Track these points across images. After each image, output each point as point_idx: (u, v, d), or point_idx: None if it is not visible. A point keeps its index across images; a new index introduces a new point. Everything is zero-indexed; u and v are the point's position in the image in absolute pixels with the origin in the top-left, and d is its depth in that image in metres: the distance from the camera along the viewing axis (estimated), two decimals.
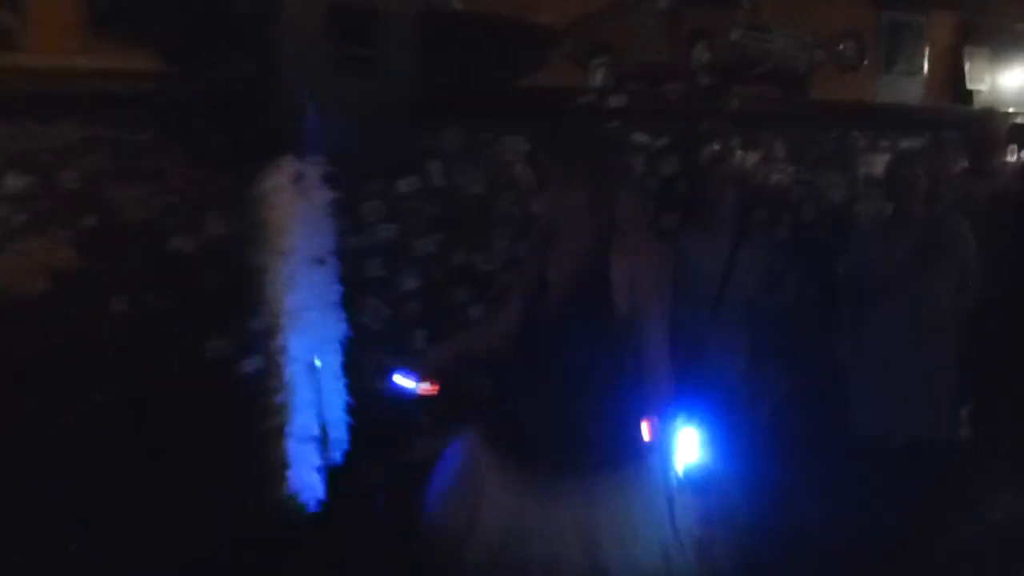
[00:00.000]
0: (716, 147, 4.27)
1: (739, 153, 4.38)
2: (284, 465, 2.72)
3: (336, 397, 2.84)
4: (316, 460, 2.75)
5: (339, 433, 2.85)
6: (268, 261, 2.75)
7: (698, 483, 2.18)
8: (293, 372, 2.73)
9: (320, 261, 2.77)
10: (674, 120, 4.10)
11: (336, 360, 2.83)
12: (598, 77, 3.93)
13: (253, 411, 2.72)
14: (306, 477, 2.73)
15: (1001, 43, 5.21)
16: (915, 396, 3.43)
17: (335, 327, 2.84)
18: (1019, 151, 4.83)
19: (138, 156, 3.05)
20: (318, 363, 2.76)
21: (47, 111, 2.92)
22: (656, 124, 4.04)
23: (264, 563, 2.83)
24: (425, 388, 2.32)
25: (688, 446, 2.15)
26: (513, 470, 2.20)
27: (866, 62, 4.74)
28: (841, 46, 4.54)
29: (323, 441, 2.78)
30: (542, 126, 3.62)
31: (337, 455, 2.84)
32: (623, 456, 2.18)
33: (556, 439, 2.18)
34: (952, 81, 5.06)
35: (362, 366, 2.92)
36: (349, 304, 2.93)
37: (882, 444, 3.46)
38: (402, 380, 2.31)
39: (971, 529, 3.30)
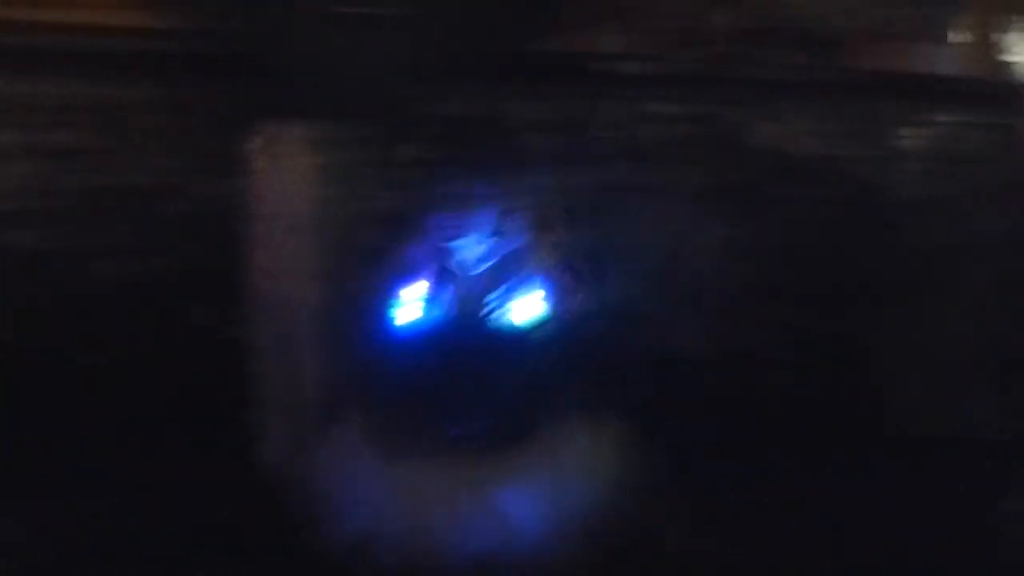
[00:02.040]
0: (738, 118, 4.12)
1: (763, 125, 4.23)
2: (264, 434, 2.70)
3: (321, 364, 2.82)
4: (298, 428, 2.73)
5: (324, 400, 2.83)
6: (258, 226, 2.72)
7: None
8: (277, 339, 2.71)
9: (310, 228, 2.73)
10: (693, 89, 3.95)
11: (320, 328, 2.80)
12: (611, 43, 3.79)
13: (234, 378, 2.71)
14: (287, 445, 2.71)
15: None
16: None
17: (323, 295, 2.81)
18: None
19: (139, 115, 3.04)
20: None
21: (51, 67, 2.92)
22: (673, 93, 3.90)
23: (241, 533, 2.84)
24: None
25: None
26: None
27: (902, 29, 4.51)
28: (874, 11, 4.32)
29: (306, 409, 2.76)
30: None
31: (321, 423, 2.83)
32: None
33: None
34: (990, 52, 4.80)
35: None
36: (339, 273, 2.90)
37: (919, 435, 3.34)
38: None
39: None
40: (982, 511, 3.02)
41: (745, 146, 4.15)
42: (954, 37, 4.59)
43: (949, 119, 4.72)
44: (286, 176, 2.67)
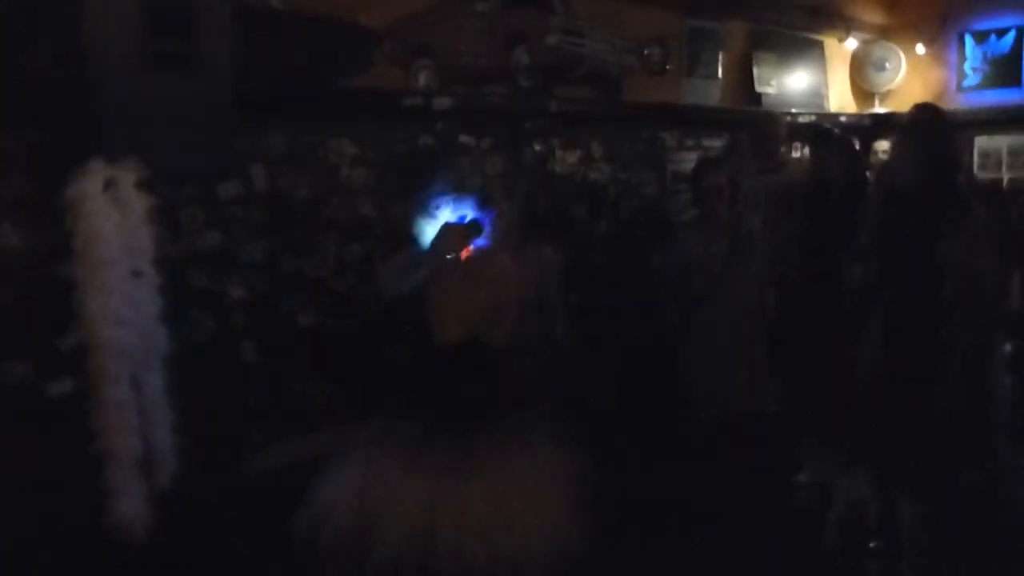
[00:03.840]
0: (538, 148, 4.40)
1: (559, 153, 4.54)
2: (106, 494, 2.50)
3: (162, 417, 2.66)
4: (143, 486, 2.55)
5: (167, 456, 2.67)
6: (79, 275, 2.52)
7: None
8: (112, 393, 2.52)
9: (137, 273, 2.57)
10: (498, 122, 4.17)
11: (159, 378, 2.65)
12: (421, 79, 3.92)
13: (69, 438, 2.49)
14: (132, 505, 2.52)
15: (786, 50, 5.75)
16: (740, 374, 3.84)
17: (157, 343, 2.65)
18: (802, 148, 5.31)
19: None
20: None
21: None
22: (480, 126, 4.09)
23: None
24: None
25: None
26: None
27: (670, 66, 5.04)
28: (647, 51, 4.80)
29: (149, 465, 2.58)
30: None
31: (166, 479, 2.66)
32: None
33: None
34: (744, 84, 5.52)
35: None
36: (171, 318, 2.76)
37: (714, 417, 3.84)
38: None
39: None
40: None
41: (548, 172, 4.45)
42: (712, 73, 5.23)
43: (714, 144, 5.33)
44: (114, 219, 2.50)
